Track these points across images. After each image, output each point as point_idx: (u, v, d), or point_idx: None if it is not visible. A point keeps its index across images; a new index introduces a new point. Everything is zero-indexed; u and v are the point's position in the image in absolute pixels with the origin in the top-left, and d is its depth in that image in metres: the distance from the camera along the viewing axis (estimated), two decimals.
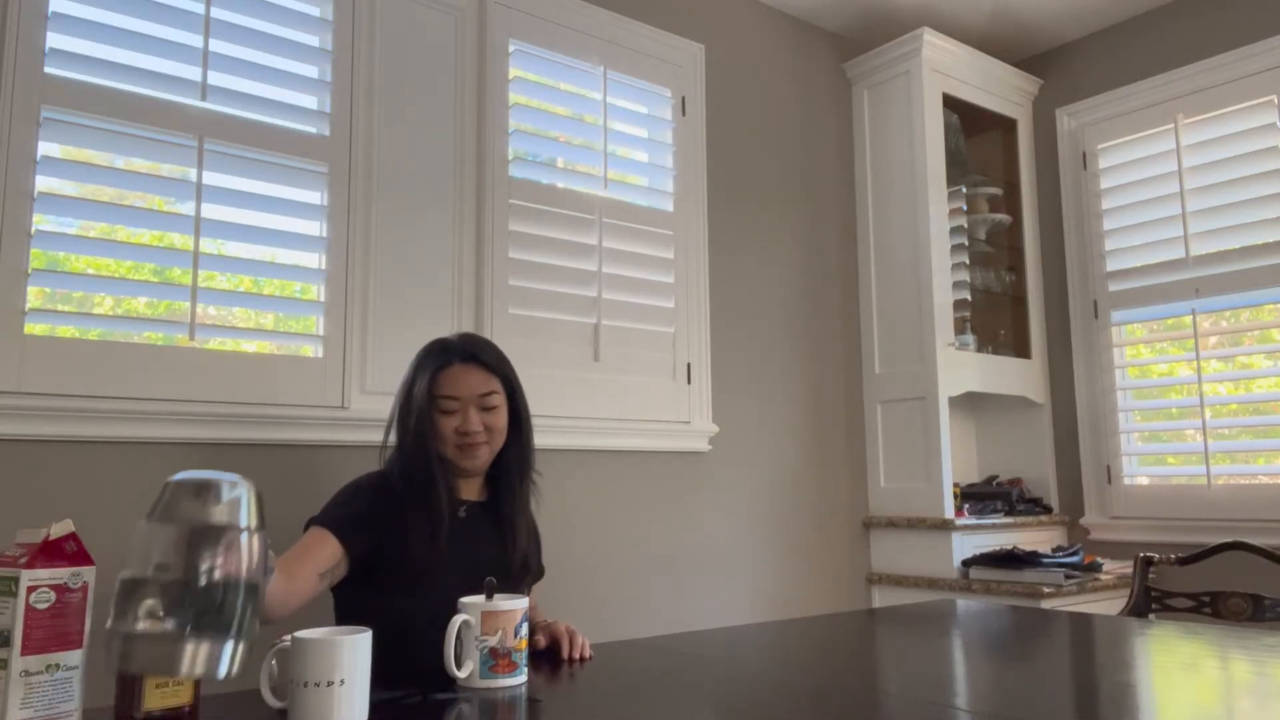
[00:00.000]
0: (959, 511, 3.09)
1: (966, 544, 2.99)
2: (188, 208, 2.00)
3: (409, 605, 1.50)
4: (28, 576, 0.98)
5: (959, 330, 3.26)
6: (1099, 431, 3.31)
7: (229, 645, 0.90)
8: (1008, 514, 3.16)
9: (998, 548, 2.97)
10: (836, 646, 1.57)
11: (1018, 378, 3.36)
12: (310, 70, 2.23)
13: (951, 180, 3.31)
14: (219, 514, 0.93)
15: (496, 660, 1.26)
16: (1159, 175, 3.21)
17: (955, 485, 3.12)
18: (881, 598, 3.15)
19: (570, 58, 2.66)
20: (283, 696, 1.08)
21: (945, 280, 3.14)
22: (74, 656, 1.01)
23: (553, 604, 2.34)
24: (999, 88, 3.46)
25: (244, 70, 2.09)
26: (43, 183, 1.85)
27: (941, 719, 1.07)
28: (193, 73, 2.03)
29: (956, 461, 3.45)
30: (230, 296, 2.05)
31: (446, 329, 2.32)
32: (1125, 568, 3.00)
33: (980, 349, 3.34)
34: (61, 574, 1.01)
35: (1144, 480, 3.22)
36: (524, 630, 1.30)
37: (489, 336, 2.37)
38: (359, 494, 1.56)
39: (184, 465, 1.95)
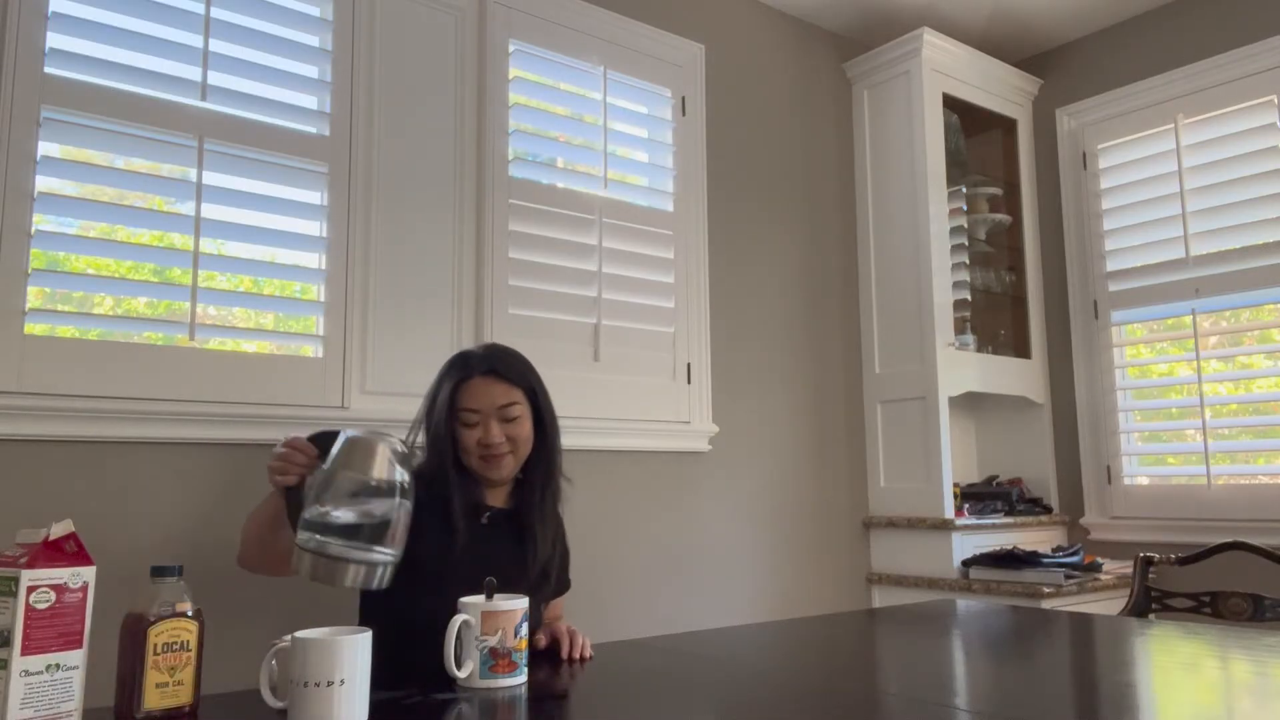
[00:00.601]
0: (959, 511, 3.09)
1: (966, 544, 2.99)
2: (188, 208, 2.00)
3: (428, 605, 1.49)
4: (28, 576, 0.98)
5: (959, 330, 3.26)
6: (1099, 431, 3.31)
7: (380, 570, 1.24)
8: (1008, 514, 3.16)
9: (998, 548, 2.97)
10: (836, 646, 1.57)
11: (1018, 378, 3.36)
12: (310, 70, 2.23)
13: (951, 180, 3.31)
14: (392, 473, 1.25)
15: (496, 660, 1.26)
16: (1159, 175, 3.21)
17: (955, 485, 3.12)
18: (881, 598, 3.15)
19: (570, 58, 2.66)
20: (283, 696, 1.08)
21: (945, 280, 3.14)
22: (74, 656, 1.01)
23: None
24: (999, 88, 3.46)
25: (244, 70, 2.09)
26: (43, 183, 1.85)
27: (941, 719, 1.07)
28: (193, 73, 2.03)
29: (956, 461, 3.44)
30: (230, 296, 2.05)
31: (447, 329, 2.32)
32: (1125, 568, 3.00)
33: (980, 349, 3.34)
34: (61, 574, 1.01)
35: (1144, 480, 3.22)
36: (524, 630, 1.30)
37: (489, 336, 2.38)
38: None
39: (184, 465, 1.95)
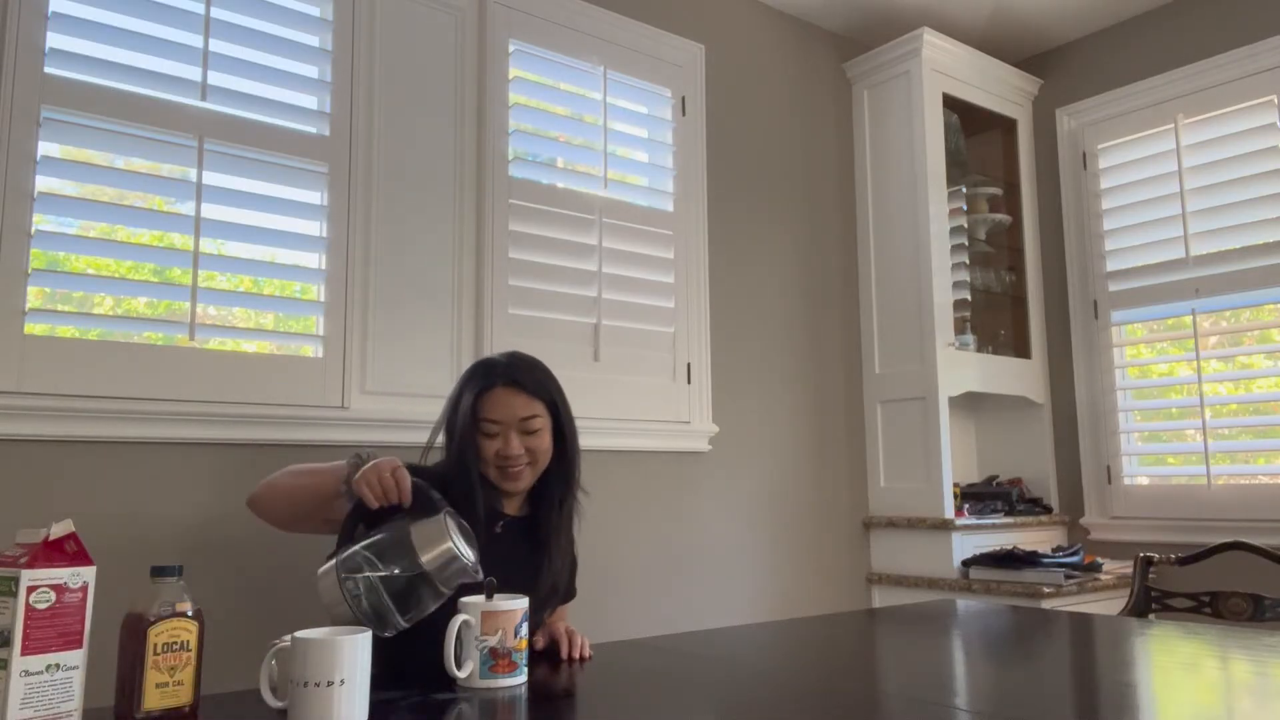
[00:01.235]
0: (959, 511, 3.09)
1: (966, 544, 2.99)
2: (188, 208, 2.00)
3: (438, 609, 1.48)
4: (28, 576, 0.98)
5: (959, 330, 3.26)
6: (1099, 431, 3.31)
7: (386, 630, 1.26)
8: (1008, 514, 3.16)
9: (998, 548, 2.97)
10: (836, 646, 1.57)
11: (1018, 378, 3.36)
12: (310, 70, 2.23)
13: (951, 180, 3.31)
14: (452, 585, 1.28)
15: (496, 660, 1.26)
16: (1159, 175, 3.21)
17: (955, 485, 3.12)
18: (881, 598, 3.15)
19: (570, 58, 2.66)
20: (283, 696, 1.08)
21: (945, 280, 3.14)
22: (74, 656, 1.01)
23: None
24: (999, 88, 3.46)
25: (244, 70, 2.09)
26: (43, 183, 1.85)
27: (941, 719, 1.07)
28: (193, 73, 2.03)
29: (956, 461, 3.44)
30: (230, 296, 2.05)
31: (447, 329, 2.32)
32: (1125, 568, 3.00)
33: (980, 349, 3.34)
34: (61, 574, 1.01)
35: (1144, 480, 3.22)
36: (524, 630, 1.30)
37: (489, 336, 2.38)
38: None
39: (184, 465, 1.95)
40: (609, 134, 2.70)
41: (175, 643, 1.08)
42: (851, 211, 3.38)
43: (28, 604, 0.97)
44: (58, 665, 0.99)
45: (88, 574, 1.03)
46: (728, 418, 2.90)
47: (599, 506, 2.57)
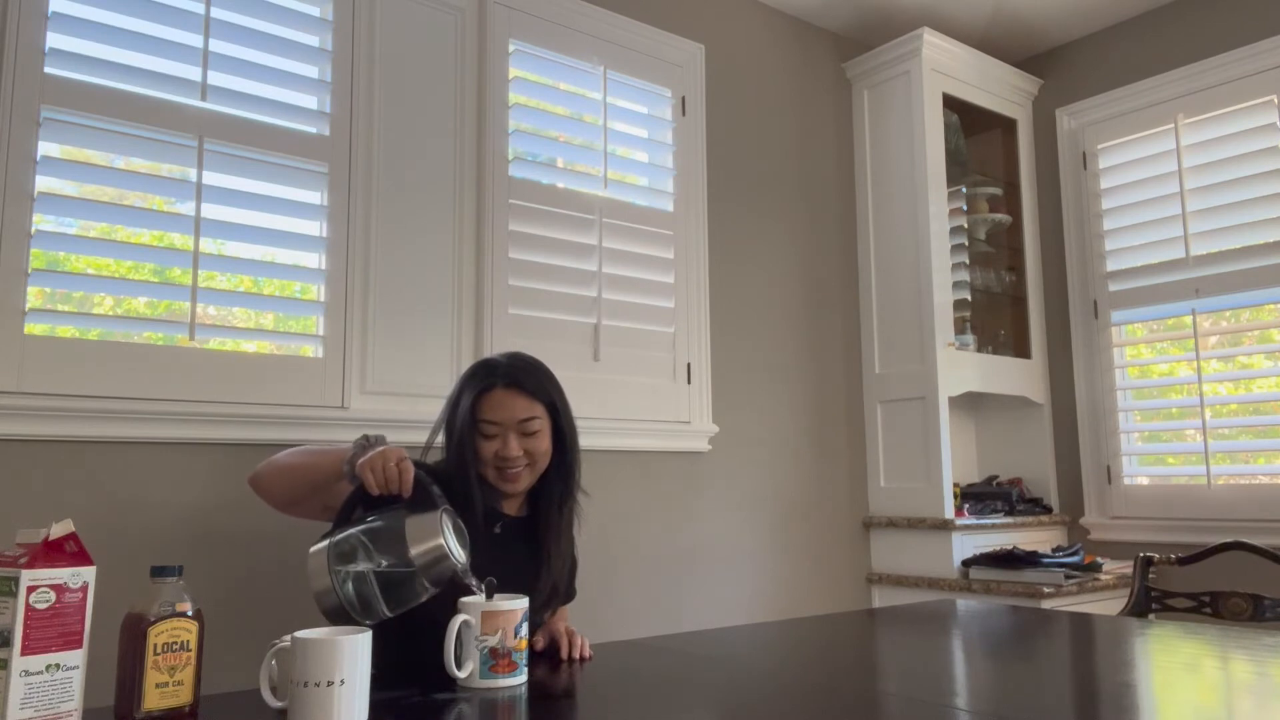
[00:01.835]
0: (959, 511, 3.09)
1: (966, 544, 2.99)
2: (188, 208, 2.00)
3: (429, 606, 1.48)
4: (28, 576, 0.98)
5: (959, 330, 3.26)
6: (1099, 431, 3.31)
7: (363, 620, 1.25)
8: (1008, 514, 3.16)
9: (998, 548, 2.97)
10: (836, 646, 1.57)
11: (1018, 378, 3.36)
12: (310, 70, 2.23)
13: (951, 180, 3.31)
14: (440, 582, 1.28)
15: (496, 660, 1.26)
16: (1159, 175, 3.21)
17: (955, 485, 3.12)
18: (881, 598, 3.15)
19: (570, 58, 2.66)
20: (283, 696, 1.08)
21: (945, 280, 3.14)
22: (74, 656, 1.01)
23: None
24: (999, 88, 3.46)
25: (244, 70, 2.09)
26: (43, 183, 1.85)
27: (941, 719, 1.07)
28: (193, 73, 2.03)
29: (956, 461, 3.45)
30: (230, 296, 2.05)
31: (446, 329, 2.32)
32: (1125, 568, 3.00)
33: (980, 349, 3.34)
34: (61, 574, 1.01)
35: (1144, 480, 3.22)
36: (524, 630, 1.30)
37: (489, 336, 2.38)
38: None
39: (184, 465, 1.95)
40: (609, 134, 2.70)
41: (175, 643, 1.08)
42: (851, 211, 3.38)
43: (28, 604, 0.97)
44: (58, 665, 0.99)
45: (88, 574, 1.03)
46: (728, 418, 2.90)
47: (599, 507, 2.57)
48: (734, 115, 3.07)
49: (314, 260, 2.18)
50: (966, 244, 3.34)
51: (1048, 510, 3.34)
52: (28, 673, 0.97)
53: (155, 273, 2.02)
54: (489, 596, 1.30)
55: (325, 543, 1.28)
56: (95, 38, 1.93)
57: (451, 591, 1.33)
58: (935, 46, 3.21)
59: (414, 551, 1.27)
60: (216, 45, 2.07)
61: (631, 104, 2.83)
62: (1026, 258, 3.48)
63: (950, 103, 3.33)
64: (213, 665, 1.81)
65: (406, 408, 2.23)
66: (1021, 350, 3.45)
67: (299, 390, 2.09)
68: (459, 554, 1.30)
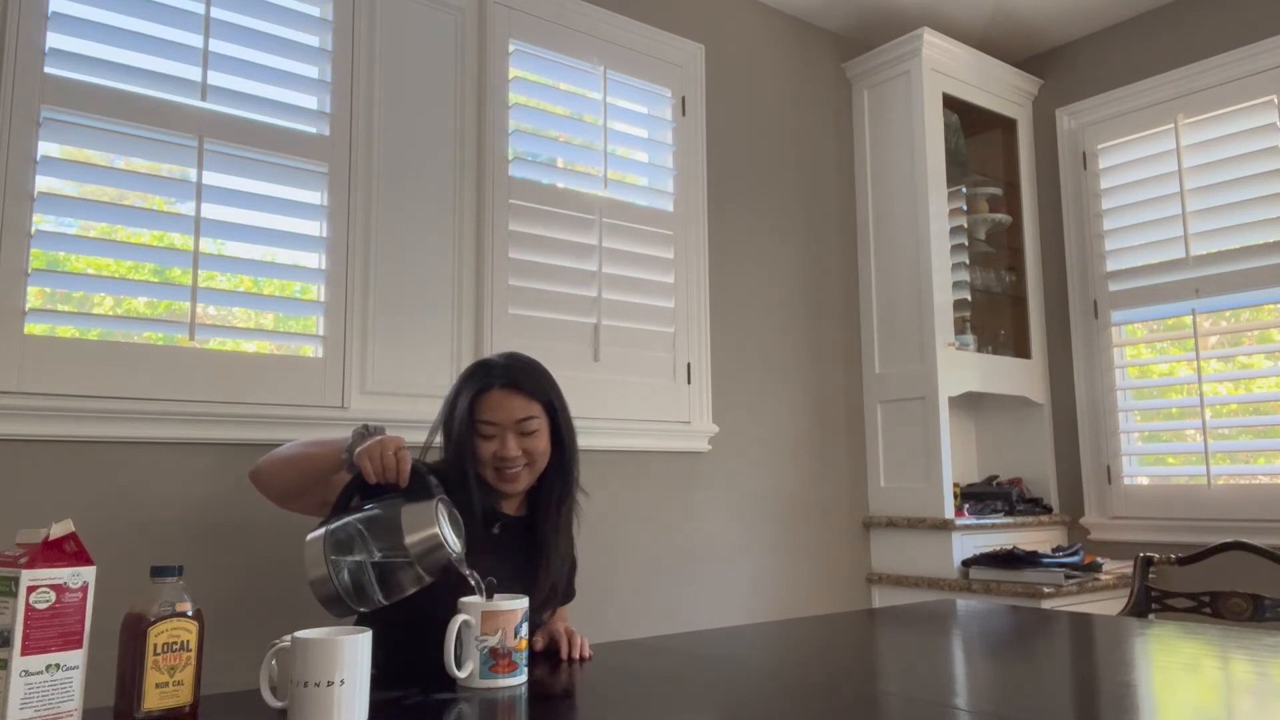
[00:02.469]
0: (959, 511, 3.09)
1: (966, 544, 2.99)
2: (188, 208, 2.00)
3: (429, 606, 1.48)
4: (28, 576, 0.98)
5: (959, 330, 3.26)
6: (1099, 431, 3.31)
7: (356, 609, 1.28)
8: (1008, 514, 3.16)
9: (998, 548, 2.97)
10: (836, 646, 1.57)
11: (1018, 378, 3.36)
12: (310, 70, 2.23)
13: (951, 180, 3.31)
14: (434, 570, 1.29)
15: (496, 660, 1.26)
16: (1159, 175, 3.21)
17: (955, 485, 3.12)
18: (881, 598, 3.15)
19: (570, 58, 2.66)
20: (283, 696, 1.08)
21: (945, 280, 3.14)
22: (74, 656, 1.01)
23: None
24: (999, 88, 3.46)
25: (244, 70, 2.09)
26: (43, 183, 1.85)
27: (941, 719, 1.07)
28: (193, 73, 2.03)
29: (956, 461, 3.45)
30: (230, 296, 2.05)
31: (446, 329, 2.32)
32: (1125, 568, 3.00)
33: (980, 349, 3.34)
34: (61, 574, 1.01)
35: (1144, 480, 3.22)
36: (524, 630, 1.30)
37: (489, 336, 2.38)
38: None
39: (184, 465, 1.95)
40: (609, 134, 2.70)
41: (175, 643, 1.08)
42: (851, 211, 3.38)
43: (28, 604, 0.97)
44: (58, 665, 0.99)
45: (88, 574, 1.03)
46: (728, 418, 2.90)
47: (599, 507, 2.57)
48: (734, 115, 3.07)
49: (314, 260, 2.18)
50: (966, 244, 3.34)
51: (1048, 510, 3.34)
52: (28, 673, 0.97)
53: (155, 273, 2.02)
54: (489, 596, 1.30)
55: (322, 530, 1.28)
56: (95, 38, 1.93)
57: (451, 591, 1.33)
58: (935, 46, 3.21)
59: (409, 540, 1.27)
60: (216, 45, 2.07)
61: (631, 104, 2.83)
62: (1026, 258, 3.48)
63: (950, 103, 3.33)
64: (213, 665, 1.81)
65: (406, 408, 2.23)
66: (1021, 350, 3.45)
67: (299, 390, 2.09)
68: (454, 543, 1.30)
